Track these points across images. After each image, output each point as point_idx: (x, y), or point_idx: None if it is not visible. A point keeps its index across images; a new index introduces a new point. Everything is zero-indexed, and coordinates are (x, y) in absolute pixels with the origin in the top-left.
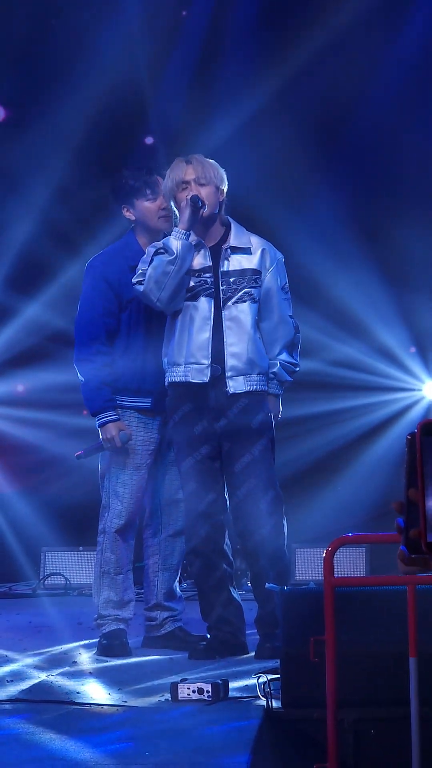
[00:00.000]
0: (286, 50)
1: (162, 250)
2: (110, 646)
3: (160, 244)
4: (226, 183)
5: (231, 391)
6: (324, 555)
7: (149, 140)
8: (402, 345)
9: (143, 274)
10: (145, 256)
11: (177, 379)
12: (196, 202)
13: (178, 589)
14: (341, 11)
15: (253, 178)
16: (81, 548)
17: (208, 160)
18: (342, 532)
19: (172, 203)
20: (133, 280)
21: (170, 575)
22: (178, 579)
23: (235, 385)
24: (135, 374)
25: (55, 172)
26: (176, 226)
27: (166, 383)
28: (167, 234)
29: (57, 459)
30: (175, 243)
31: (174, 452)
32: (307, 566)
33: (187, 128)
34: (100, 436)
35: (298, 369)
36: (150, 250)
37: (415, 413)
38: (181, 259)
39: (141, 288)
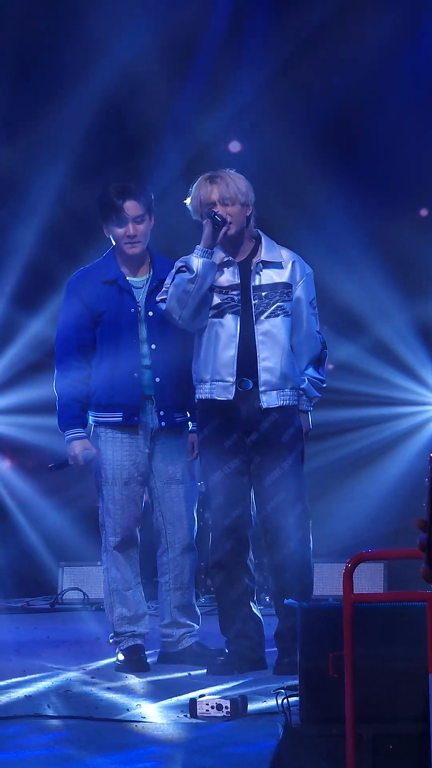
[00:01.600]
0: (298, 58)
1: (184, 268)
2: (129, 661)
3: (182, 261)
4: (253, 196)
5: (264, 405)
6: (343, 571)
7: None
8: (419, 358)
9: (166, 292)
10: (172, 271)
11: (203, 396)
12: (215, 220)
13: (195, 605)
14: (353, 21)
15: (261, 189)
16: (99, 563)
17: (232, 175)
18: (359, 547)
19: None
20: (157, 298)
21: (183, 593)
22: (194, 594)
23: (269, 399)
24: (105, 389)
25: (55, 180)
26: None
27: (195, 399)
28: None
29: (74, 473)
30: (196, 261)
31: (201, 465)
32: (325, 581)
33: (193, 134)
34: (68, 452)
35: (325, 385)
36: (177, 265)
37: None
38: (202, 278)
39: (164, 306)
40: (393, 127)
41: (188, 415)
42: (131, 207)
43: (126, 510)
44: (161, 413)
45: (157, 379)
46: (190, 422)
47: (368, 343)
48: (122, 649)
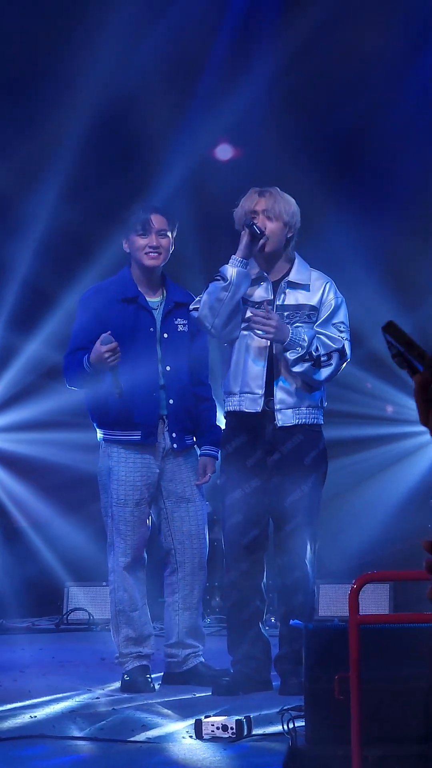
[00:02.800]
0: (302, 77)
1: (218, 277)
2: (134, 682)
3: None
4: (298, 221)
5: (279, 424)
6: (349, 592)
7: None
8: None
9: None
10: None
11: (232, 408)
12: (252, 229)
13: (201, 626)
14: (357, 39)
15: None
16: (104, 583)
17: (282, 194)
18: (364, 568)
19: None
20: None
21: (191, 614)
22: (201, 614)
23: (284, 418)
24: (124, 407)
25: (48, 200)
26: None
27: (224, 412)
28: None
29: (80, 495)
30: (230, 270)
31: (221, 481)
32: (330, 602)
33: (192, 152)
34: (93, 365)
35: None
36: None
37: None
38: (235, 286)
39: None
40: (397, 142)
41: (194, 439)
42: (157, 219)
43: (137, 531)
44: (173, 435)
45: (171, 401)
46: (196, 446)
47: (366, 357)
48: (127, 669)
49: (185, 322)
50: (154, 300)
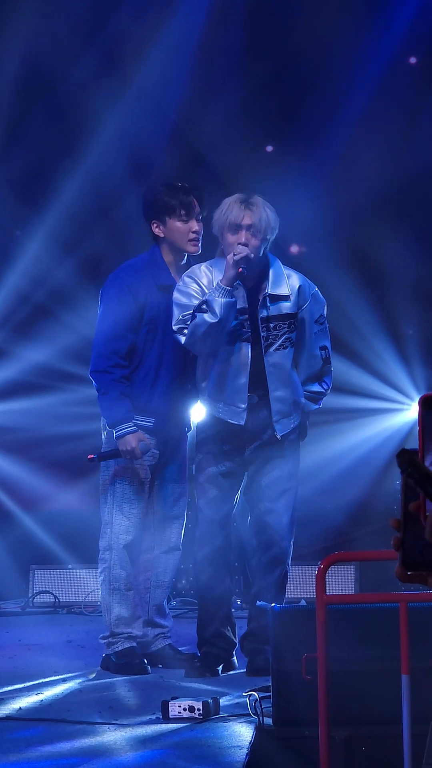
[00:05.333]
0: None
1: (204, 307)
2: (128, 665)
3: (201, 294)
4: (277, 229)
5: (279, 434)
6: (316, 572)
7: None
8: (389, 360)
9: (184, 323)
10: (184, 293)
11: (217, 414)
12: (242, 271)
13: (167, 606)
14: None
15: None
16: (70, 566)
17: (266, 206)
18: (330, 550)
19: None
20: (174, 327)
21: (162, 592)
22: (167, 596)
23: (282, 428)
24: (144, 392)
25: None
26: (220, 281)
27: (208, 413)
28: (191, 258)
29: (47, 476)
30: (218, 302)
31: (196, 462)
32: (297, 584)
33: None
34: (119, 447)
35: (324, 396)
36: (186, 283)
37: (405, 432)
38: (225, 320)
39: (182, 339)
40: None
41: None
42: (197, 205)
43: (142, 511)
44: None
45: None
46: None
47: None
48: (118, 650)
49: None
50: None
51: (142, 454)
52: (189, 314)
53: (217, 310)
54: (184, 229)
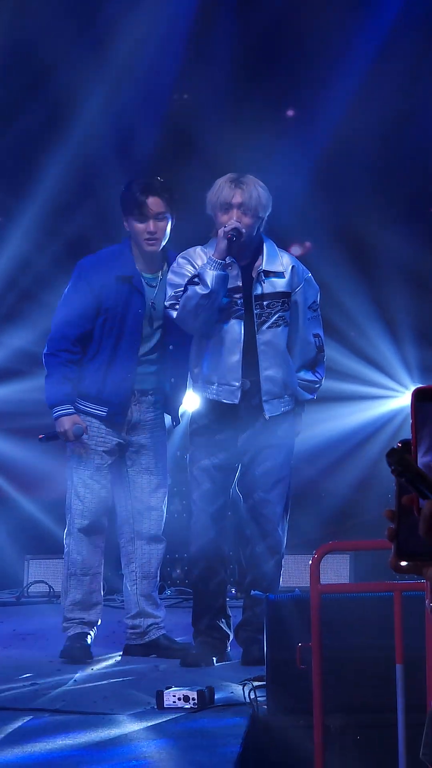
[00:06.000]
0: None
1: (196, 280)
2: (71, 648)
3: (195, 271)
4: (270, 208)
5: (267, 415)
6: (310, 562)
7: None
8: (386, 351)
9: (176, 298)
10: (178, 274)
11: (211, 397)
12: (231, 237)
13: (157, 596)
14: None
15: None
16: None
17: (257, 184)
18: (324, 539)
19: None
20: (166, 303)
21: (149, 582)
22: (159, 586)
23: (271, 408)
24: (96, 381)
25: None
26: (212, 254)
27: (201, 399)
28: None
29: (41, 466)
30: (210, 274)
31: (189, 453)
32: (291, 573)
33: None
34: (56, 429)
35: (318, 385)
36: (180, 264)
37: (399, 420)
38: (216, 293)
39: (174, 314)
40: None
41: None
42: (154, 203)
43: (97, 495)
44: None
45: (173, 380)
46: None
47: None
48: (69, 635)
49: None
50: (153, 276)
51: (75, 437)
52: (181, 291)
53: (209, 281)
54: (140, 228)
